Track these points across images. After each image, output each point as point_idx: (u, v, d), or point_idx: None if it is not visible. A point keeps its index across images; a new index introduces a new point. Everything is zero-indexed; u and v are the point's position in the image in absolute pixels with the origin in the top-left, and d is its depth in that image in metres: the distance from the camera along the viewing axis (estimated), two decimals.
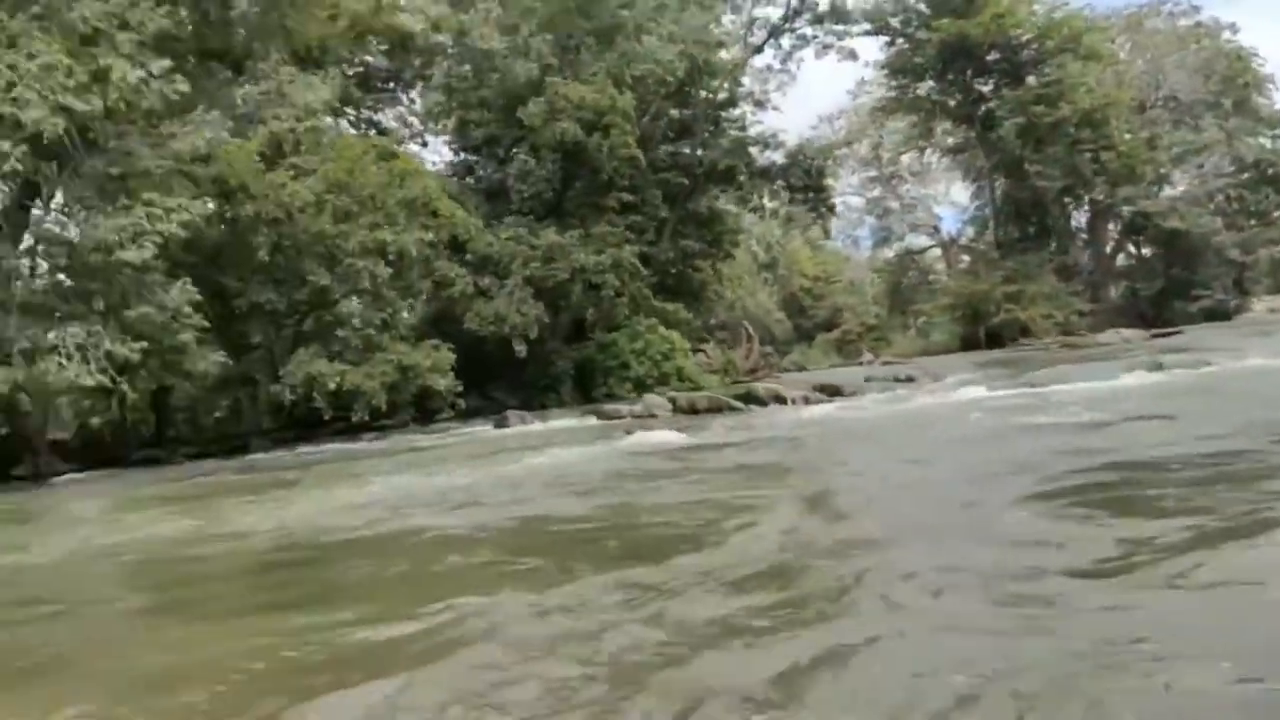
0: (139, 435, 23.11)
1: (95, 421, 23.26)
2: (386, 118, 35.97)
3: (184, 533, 8.99)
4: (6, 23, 16.86)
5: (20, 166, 16.51)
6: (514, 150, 31.72)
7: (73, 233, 19.12)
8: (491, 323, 26.46)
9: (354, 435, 22.11)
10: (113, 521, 10.78)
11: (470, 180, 33.01)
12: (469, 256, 27.31)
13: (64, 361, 16.62)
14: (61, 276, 19.17)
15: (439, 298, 27.43)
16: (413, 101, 36.05)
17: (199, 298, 18.84)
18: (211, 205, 19.53)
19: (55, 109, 16.61)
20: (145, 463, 20.40)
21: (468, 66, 31.92)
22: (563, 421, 21.28)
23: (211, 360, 19.52)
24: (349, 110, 33.29)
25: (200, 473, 16.66)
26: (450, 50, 32.80)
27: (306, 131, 24.15)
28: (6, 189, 18.50)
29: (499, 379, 27.83)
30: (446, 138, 35.20)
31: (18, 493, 16.28)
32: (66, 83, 16.86)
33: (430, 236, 24.98)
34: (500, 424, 21.96)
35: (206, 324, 19.25)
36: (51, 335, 17.10)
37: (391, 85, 35.83)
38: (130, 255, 17.32)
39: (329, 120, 26.29)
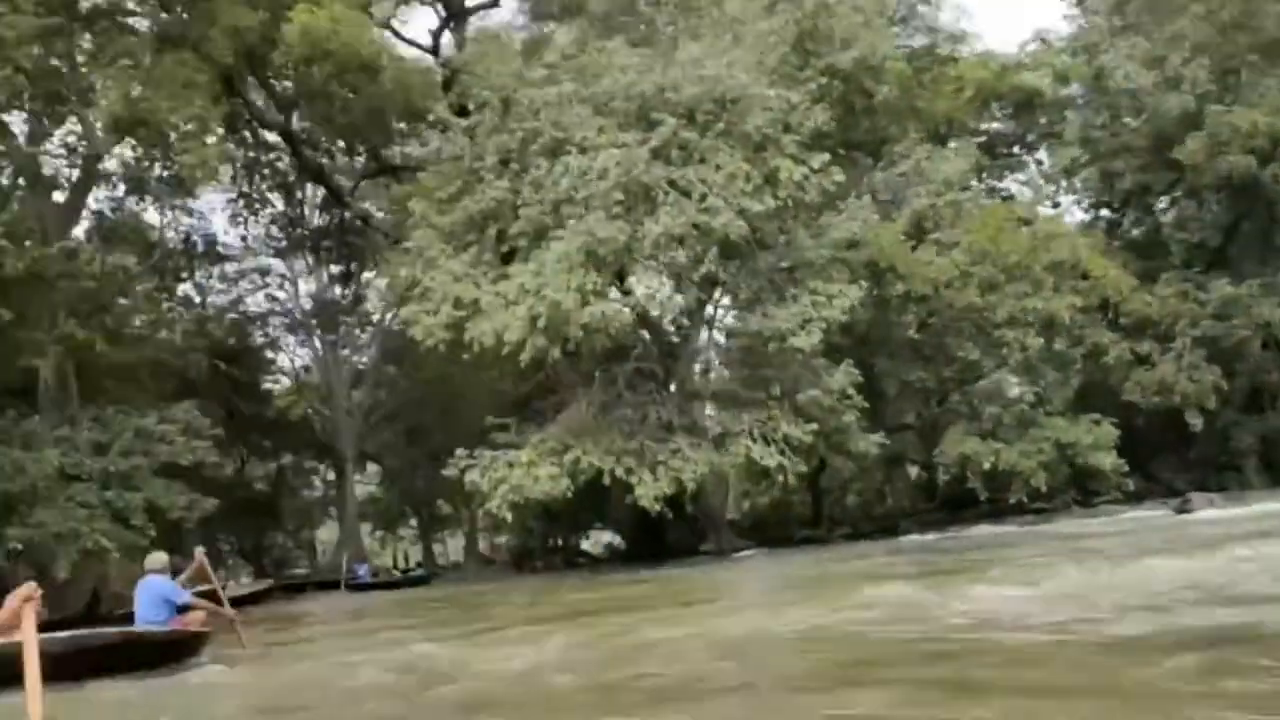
0: (795, 515, 24.38)
1: (757, 502, 25.10)
2: (1012, 183, 34.78)
3: (919, 610, 8.51)
4: (698, 142, 19.11)
5: (711, 268, 18.41)
6: (1166, 196, 28.53)
7: (744, 324, 20.87)
8: (1155, 392, 23.58)
9: (1001, 518, 20.93)
10: (815, 598, 10.63)
11: (1110, 239, 30.31)
12: (1122, 320, 24.83)
13: (749, 444, 18.01)
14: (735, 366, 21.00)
15: (1087, 368, 25.28)
16: (1040, 163, 34.41)
17: (860, 379, 19.33)
18: (864, 288, 20.02)
19: (737, 212, 18.34)
20: (805, 541, 21.22)
21: (1104, 115, 29.54)
22: (1267, 505, 17.92)
23: (871, 441, 19.84)
24: (974, 180, 32.74)
25: (861, 554, 16.63)
26: (1080, 100, 30.80)
27: (946, 205, 24.01)
28: (698, 292, 20.67)
29: (1161, 456, 24.76)
30: (1076, 196, 32.96)
31: (709, 565, 17.76)
32: (745, 187, 18.56)
33: (1079, 301, 23.17)
34: (1183, 508, 19.24)
35: (866, 404, 19.67)
36: (736, 419, 18.69)
37: (1016, 149, 34.66)
38: (800, 341, 18.34)
39: (964, 192, 25.86)
